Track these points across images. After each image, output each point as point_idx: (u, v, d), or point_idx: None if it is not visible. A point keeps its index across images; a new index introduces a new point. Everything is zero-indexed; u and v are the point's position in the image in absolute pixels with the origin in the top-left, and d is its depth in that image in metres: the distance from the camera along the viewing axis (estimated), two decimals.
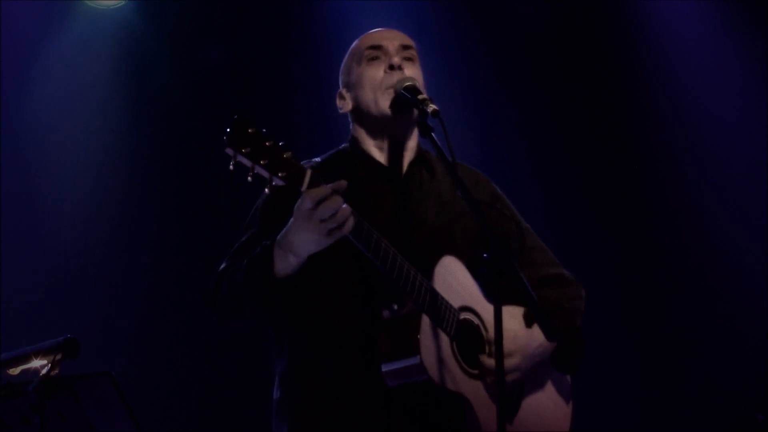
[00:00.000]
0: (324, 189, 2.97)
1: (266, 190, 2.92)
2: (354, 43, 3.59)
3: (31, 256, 6.00)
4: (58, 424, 3.08)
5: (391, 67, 3.43)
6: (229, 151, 2.85)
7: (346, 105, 3.54)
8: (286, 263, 3.12)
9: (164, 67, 6.36)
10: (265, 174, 2.90)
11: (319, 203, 2.97)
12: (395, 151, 3.50)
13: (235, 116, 2.88)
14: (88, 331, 5.38)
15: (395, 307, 3.21)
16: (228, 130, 2.85)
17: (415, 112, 3.36)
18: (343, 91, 3.55)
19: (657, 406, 6.42)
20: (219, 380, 6.12)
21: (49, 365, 3.06)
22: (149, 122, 6.33)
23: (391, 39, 3.52)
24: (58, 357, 3.07)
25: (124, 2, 6.30)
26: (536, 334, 3.42)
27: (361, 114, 3.50)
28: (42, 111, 6.16)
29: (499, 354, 2.92)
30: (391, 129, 3.47)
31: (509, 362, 3.33)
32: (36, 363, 3.09)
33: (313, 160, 3.47)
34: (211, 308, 3.32)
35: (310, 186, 2.96)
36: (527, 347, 3.39)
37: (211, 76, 6.35)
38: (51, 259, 6.06)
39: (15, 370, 3.12)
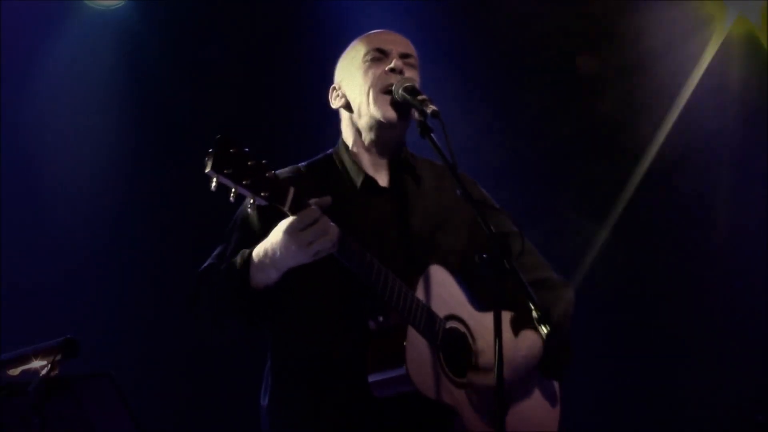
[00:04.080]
0: (311, 213, 2.96)
1: (248, 210, 2.93)
2: (356, 41, 3.57)
3: (31, 256, 6.00)
4: (57, 425, 3.08)
5: (392, 71, 3.43)
6: (211, 173, 2.84)
7: (338, 100, 3.53)
8: (265, 275, 3.11)
9: (164, 67, 6.36)
10: (247, 194, 2.90)
11: (306, 227, 2.97)
12: (383, 158, 3.49)
13: (217, 137, 2.87)
14: (88, 331, 5.37)
15: (380, 318, 3.20)
16: (209, 151, 2.84)
17: (414, 113, 3.35)
18: (338, 86, 3.54)
19: (657, 407, 6.42)
20: (219, 381, 6.12)
21: (49, 366, 3.06)
22: (149, 122, 6.33)
23: (395, 44, 3.51)
24: (58, 357, 3.07)
25: (124, 2, 6.30)
26: (520, 344, 3.42)
27: (353, 113, 3.49)
28: (42, 111, 6.15)
29: (500, 358, 2.92)
30: (385, 133, 3.45)
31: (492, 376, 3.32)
32: (36, 363, 3.09)
33: (298, 165, 3.47)
34: (190, 310, 3.31)
35: (293, 204, 2.96)
36: (513, 359, 3.37)
37: (210, 76, 6.35)
38: (51, 259, 6.06)
39: (15, 371, 3.12)
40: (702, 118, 6.57)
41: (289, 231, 2.99)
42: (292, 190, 2.96)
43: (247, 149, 2.89)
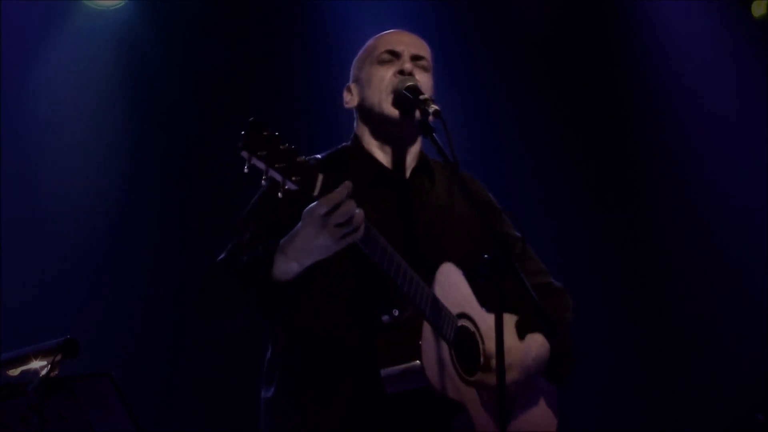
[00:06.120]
0: (338, 194, 2.97)
1: (279, 194, 2.92)
2: (371, 41, 3.59)
3: (31, 257, 6.01)
4: (57, 425, 3.08)
5: (401, 72, 3.44)
6: (245, 154, 2.85)
7: (352, 100, 3.55)
8: (287, 268, 3.11)
9: (164, 67, 6.37)
10: (279, 177, 2.90)
11: (333, 209, 2.97)
12: (397, 155, 3.50)
13: (251, 119, 2.88)
14: (88, 331, 5.38)
15: (395, 312, 3.21)
16: (243, 133, 2.84)
17: (417, 112, 3.36)
18: (352, 86, 3.56)
19: (657, 406, 6.42)
20: (219, 380, 6.12)
21: (49, 366, 3.06)
22: (149, 122, 6.34)
23: (408, 45, 3.52)
24: (58, 358, 3.07)
25: (124, 2, 6.30)
26: (530, 347, 3.44)
27: (365, 112, 3.51)
28: (42, 111, 6.16)
29: (500, 358, 2.92)
30: (393, 131, 3.47)
31: (508, 377, 3.31)
32: (36, 364, 3.08)
33: (314, 156, 3.47)
34: (194, 303, 3.31)
35: (322, 190, 2.96)
36: (524, 361, 3.40)
37: (210, 76, 6.35)
38: (51, 259, 6.06)
39: (15, 371, 3.12)
40: (704, 115, 6.59)
41: (317, 214, 2.98)
42: (321, 177, 2.96)
43: (278, 133, 2.89)
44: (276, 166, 2.87)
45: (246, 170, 2.86)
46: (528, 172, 6.58)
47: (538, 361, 3.47)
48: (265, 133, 2.87)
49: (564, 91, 6.71)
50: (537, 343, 3.48)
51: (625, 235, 6.64)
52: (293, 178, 2.90)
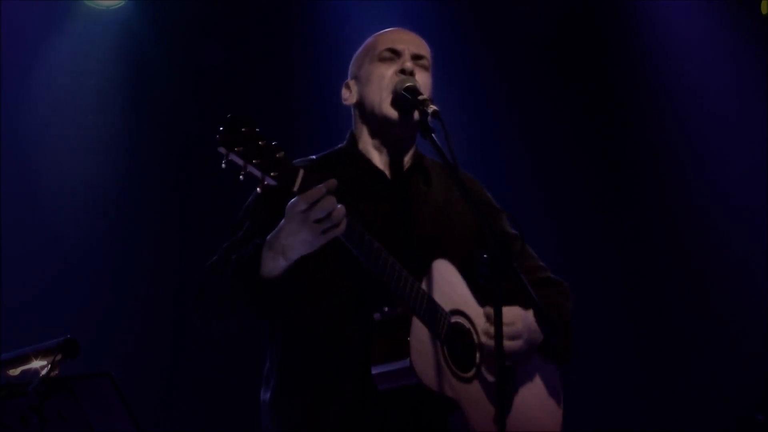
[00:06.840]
0: (318, 190, 2.97)
1: (258, 189, 2.92)
2: (370, 39, 3.58)
3: (31, 257, 6.01)
4: (57, 425, 3.08)
5: (402, 72, 3.44)
6: (222, 149, 2.85)
7: (351, 97, 3.54)
8: (275, 264, 3.11)
9: (164, 67, 6.37)
10: (257, 173, 2.90)
11: (313, 204, 2.97)
12: (394, 155, 3.50)
13: (229, 115, 2.88)
14: (88, 331, 5.38)
15: (386, 309, 3.20)
16: (221, 128, 2.85)
17: (416, 113, 3.36)
18: (351, 83, 3.55)
19: (657, 406, 6.42)
20: (219, 380, 6.12)
21: (49, 366, 3.06)
22: (149, 122, 6.34)
23: (408, 44, 3.52)
24: (58, 357, 3.07)
25: (124, 2, 6.30)
26: (528, 316, 3.40)
27: (364, 110, 3.50)
28: (42, 111, 6.16)
29: (500, 358, 2.92)
30: (392, 131, 3.46)
31: (511, 329, 3.31)
32: (36, 363, 3.08)
33: (309, 158, 3.47)
34: (195, 304, 3.32)
35: (302, 186, 2.96)
36: (526, 317, 3.36)
37: (210, 76, 6.35)
38: (51, 259, 6.06)
39: (15, 371, 3.12)
40: (704, 115, 6.58)
41: (297, 209, 2.99)
42: (301, 172, 2.96)
43: (258, 129, 2.89)
44: (254, 161, 2.87)
45: (223, 166, 2.87)
46: (528, 172, 6.58)
47: (535, 332, 3.41)
48: (243, 129, 2.88)
49: (564, 91, 6.71)
50: (512, 312, 3.39)
51: (625, 235, 6.64)
52: (271, 174, 2.90)
